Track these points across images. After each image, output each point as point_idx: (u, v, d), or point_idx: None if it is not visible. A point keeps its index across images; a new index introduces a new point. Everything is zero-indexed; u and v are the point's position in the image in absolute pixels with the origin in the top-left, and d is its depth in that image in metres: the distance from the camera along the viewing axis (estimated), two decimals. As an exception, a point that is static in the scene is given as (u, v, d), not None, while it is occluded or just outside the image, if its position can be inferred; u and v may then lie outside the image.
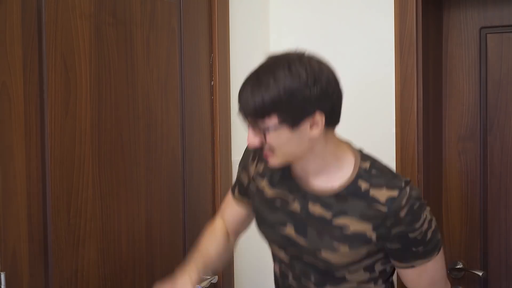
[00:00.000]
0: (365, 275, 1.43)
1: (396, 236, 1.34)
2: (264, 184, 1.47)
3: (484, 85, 2.03)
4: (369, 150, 1.92)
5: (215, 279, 1.86)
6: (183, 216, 1.77)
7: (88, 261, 1.44)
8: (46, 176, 1.33)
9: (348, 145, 1.43)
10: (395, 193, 1.33)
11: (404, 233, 1.34)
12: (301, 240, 1.41)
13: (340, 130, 2.22)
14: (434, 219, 1.39)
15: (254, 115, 1.26)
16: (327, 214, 1.37)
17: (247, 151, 1.57)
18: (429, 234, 1.36)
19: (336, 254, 1.38)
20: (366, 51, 2.05)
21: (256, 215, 1.52)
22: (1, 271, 1.24)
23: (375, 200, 1.33)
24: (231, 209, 1.63)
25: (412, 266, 1.39)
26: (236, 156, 2.01)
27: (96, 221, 1.46)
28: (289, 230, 1.42)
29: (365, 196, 1.34)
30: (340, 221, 1.36)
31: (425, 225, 1.35)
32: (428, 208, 1.38)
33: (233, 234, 1.66)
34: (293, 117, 1.25)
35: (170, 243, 1.72)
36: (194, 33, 1.81)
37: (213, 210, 1.90)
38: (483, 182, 2.06)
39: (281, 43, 2.22)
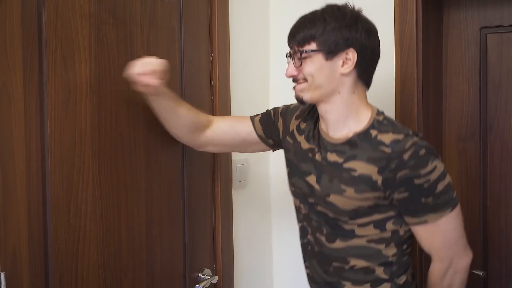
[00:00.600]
0: (375, 232, 1.46)
1: (402, 182, 1.39)
2: (301, 139, 1.61)
3: (484, 85, 2.03)
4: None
5: (215, 279, 1.87)
6: (183, 216, 1.77)
7: (88, 260, 1.44)
8: (46, 176, 1.33)
9: (369, 104, 1.53)
10: (400, 136, 1.41)
11: (410, 179, 1.38)
12: (317, 187, 1.52)
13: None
14: (448, 176, 1.42)
15: (297, 42, 1.47)
16: (339, 160, 1.47)
17: (291, 109, 1.70)
18: (439, 186, 1.39)
19: (343, 197, 1.45)
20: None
21: (290, 166, 1.64)
22: (1, 271, 1.24)
23: (380, 143, 1.42)
24: (240, 120, 1.75)
25: (425, 222, 1.42)
26: (236, 156, 2.02)
27: (96, 220, 1.46)
28: (311, 178, 1.54)
29: (372, 140, 1.44)
30: (349, 164, 1.45)
31: (434, 175, 1.38)
32: (439, 161, 1.41)
33: (214, 134, 1.71)
34: (329, 46, 1.43)
35: (170, 243, 1.71)
36: (194, 33, 1.81)
37: (213, 210, 1.90)
38: (483, 182, 2.06)
39: (281, 43, 2.22)
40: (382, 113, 1.51)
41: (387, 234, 1.47)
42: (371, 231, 1.47)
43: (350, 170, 1.44)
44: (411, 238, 1.52)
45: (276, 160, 2.20)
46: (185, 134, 1.68)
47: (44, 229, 1.33)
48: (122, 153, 1.54)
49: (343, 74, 1.45)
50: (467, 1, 2.02)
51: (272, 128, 1.71)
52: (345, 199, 1.45)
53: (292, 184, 1.63)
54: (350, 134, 1.48)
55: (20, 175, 1.27)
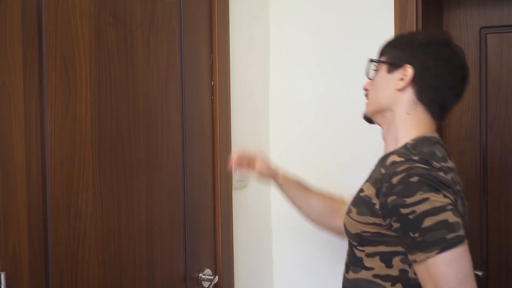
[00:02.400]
0: (381, 266, 1.35)
1: (392, 209, 1.27)
2: None
3: (484, 85, 2.03)
4: (369, 150, 1.92)
5: (215, 279, 1.86)
6: (184, 216, 1.77)
7: (89, 260, 1.43)
8: (46, 176, 1.33)
9: (425, 132, 1.41)
10: (399, 158, 1.31)
11: (396, 206, 1.26)
12: None
13: (341, 129, 2.22)
14: (446, 213, 1.23)
15: (379, 53, 1.51)
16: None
17: None
18: (426, 221, 1.22)
19: (349, 218, 1.42)
20: (366, 51, 2.05)
21: None
22: (1, 271, 1.24)
23: (383, 164, 1.34)
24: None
25: (414, 261, 1.26)
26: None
27: (96, 221, 1.45)
28: None
29: (384, 161, 1.36)
30: (363, 185, 1.41)
31: (421, 207, 1.23)
32: (438, 195, 1.24)
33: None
34: (393, 59, 1.45)
35: (171, 243, 1.71)
36: (194, 33, 1.81)
37: (213, 210, 1.90)
38: (483, 182, 2.06)
39: (281, 43, 2.22)
40: (425, 138, 1.39)
41: (394, 272, 1.34)
42: (377, 263, 1.36)
43: (361, 190, 1.40)
44: None
45: (276, 160, 2.20)
46: (317, 221, 1.75)
47: (45, 229, 1.33)
48: (123, 154, 1.54)
49: (398, 90, 1.41)
50: (467, 1, 2.02)
51: None
52: (350, 220, 1.40)
53: None
54: None
55: (20, 175, 1.27)
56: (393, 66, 1.43)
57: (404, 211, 1.25)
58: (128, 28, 1.55)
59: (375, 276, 1.36)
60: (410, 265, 1.32)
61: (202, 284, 1.83)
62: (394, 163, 1.30)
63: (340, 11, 2.10)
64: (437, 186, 1.25)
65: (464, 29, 2.05)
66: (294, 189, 1.71)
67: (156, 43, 1.65)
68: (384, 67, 1.46)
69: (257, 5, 2.18)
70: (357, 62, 2.07)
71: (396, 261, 1.33)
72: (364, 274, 1.39)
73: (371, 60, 1.51)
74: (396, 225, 1.28)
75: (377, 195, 1.31)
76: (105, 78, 1.48)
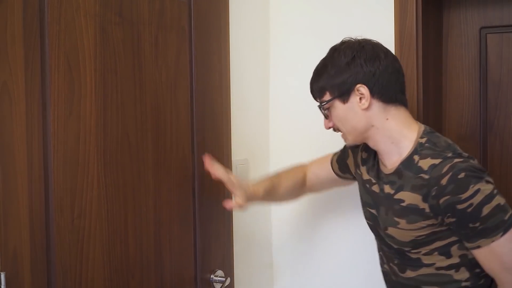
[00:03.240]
0: (441, 259, 1.44)
1: (446, 208, 1.35)
2: (363, 170, 1.64)
3: (484, 85, 2.03)
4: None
5: (227, 281, 1.83)
6: (193, 216, 1.75)
7: (93, 261, 1.42)
8: (49, 176, 1.32)
9: (416, 123, 1.51)
10: (437, 160, 1.37)
11: (452, 204, 1.34)
12: (379, 219, 1.53)
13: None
14: (497, 197, 1.35)
15: (316, 96, 1.55)
16: (391, 191, 1.47)
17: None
18: (484, 210, 1.33)
19: (397, 229, 1.44)
20: (366, 51, 2.05)
21: (360, 198, 1.68)
22: (1, 271, 1.23)
23: (420, 169, 1.39)
24: (322, 164, 1.82)
25: (478, 247, 1.36)
26: (236, 155, 2.01)
27: (101, 221, 1.44)
28: (374, 210, 1.57)
29: (414, 167, 1.41)
30: (399, 195, 1.44)
31: (477, 199, 1.32)
32: (483, 183, 1.34)
33: (309, 185, 1.83)
34: (340, 90, 1.47)
35: (180, 244, 1.69)
36: (205, 33, 1.78)
37: (225, 209, 1.84)
38: (483, 182, 2.06)
39: (281, 43, 2.22)
40: (428, 133, 1.48)
41: (455, 260, 1.44)
42: (437, 258, 1.44)
43: (400, 201, 1.44)
44: None
45: (276, 159, 2.20)
46: (292, 200, 1.87)
47: (47, 229, 1.32)
48: (129, 154, 1.52)
49: (365, 109, 1.47)
50: (467, 1, 2.02)
51: (344, 165, 1.76)
52: (401, 231, 1.44)
53: (364, 215, 1.66)
54: (398, 163, 1.47)
55: (22, 174, 1.27)
56: (345, 95, 1.47)
57: (460, 206, 1.33)
58: (136, 28, 1.53)
59: (437, 268, 1.44)
60: (467, 249, 1.41)
61: (213, 286, 1.80)
62: (434, 166, 1.37)
63: (340, 11, 2.10)
64: (479, 174, 1.35)
65: (464, 29, 2.05)
66: (267, 194, 1.72)
67: (165, 42, 1.63)
68: (336, 102, 1.49)
69: (257, 5, 2.18)
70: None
71: (454, 250, 1.42)
72: (425, 270, 1.46)
73: (321, 105, 1.53)
74: (450, 220, 1.36)
75: (425, 200, 1.37)
76: (110, 78, 1.46)
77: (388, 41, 1.98)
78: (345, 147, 1.77)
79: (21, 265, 1.27)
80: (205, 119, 1.79)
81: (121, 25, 1.49)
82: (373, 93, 1.45)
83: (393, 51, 1.97)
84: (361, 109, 1.46)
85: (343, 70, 1.46)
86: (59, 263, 1.34)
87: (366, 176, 1.61)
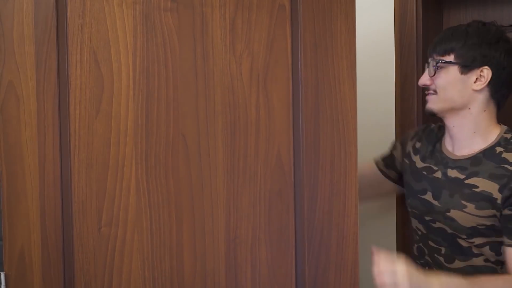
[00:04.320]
0: (491, 254, 1.47)
1: None
2: (416, 158, 1.65)
3: (484, 85, 2.04)
4: (369, 150, 1.93)
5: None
6: (295, 237, 1.36)
7: (128, 276, 1.29)
8: (68, 178, 1.26)
9: (501, 125, 1.55)
10: None
11: None
12: (435, 203, 1.54)
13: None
14: None
15: (437, 52, 1.53)
16: (461, 176, 1.49)
17: (408, 133, 1.78)
18: None
19: (463, 213, 1.46)
20: (366, 51, 2.05)
21: (406, 188, 1.68)
22: (1, 271, 1.22)
23: (504, 161, 1.44)
24: (364, 164, 1.70)
25: None
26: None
27: (141, 232, 1.29)
28: (428, 196, 1.57)
29: (497, 157, 1.45)
30: (471, 181, 1.47)
31: None
32: None
33: None
34: (466, 60, 1.48)
35: (273, 269, 1.36)
36: (321, 10, 1.36)
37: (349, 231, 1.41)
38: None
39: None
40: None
41: (502, 258, 1.46)
42: (487, 252, 1.47)
43: (472, 186, 1.46)
44: None
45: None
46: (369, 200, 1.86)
47: (64, 234, 1.26)
48: (186, 158, 1.32)
49: (475, 91, 1.48)
50: (467, 1, 2.04)
51: (390, 158, 1.78)
52: (466, 214, 1.46)
53: (408, 205, 1.66)
54: (475, 151, 1.50)
55: (32, 176, 1.23)
56: (468, 67, 1.48)
57: None
58: (198, 11, 1.31)
59: (486, 260, 1.47)
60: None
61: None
62: None
63: (340, 10, 2.10)
64: None
65: (463, 29, 2.06)
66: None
67: (248, 25, 1.35)
68: (455, 67, 1.49)
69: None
70: (357, 63, 2.07)
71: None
72: (474, 261, 1.48)
73: (438, 62, 1.51)
74: (507, 212, 1.40)
75: (501, 190, 1.42)
76: (157, 72, 1.30)
77: (388, 41, 1.99)
78: (393, 141, 1.81)
79: (30, 267, 1.24)
80: (320, 119, 1.37)
81: (175, 11, 1.30)
82: (490, 83, 1.48)
83: (393, 51, 1.99)
84: (471, 88, 1.48)
85: (483, 46, 1.48)
86: (80, 271, 1.27)
87: (420, 164, 1.63)
